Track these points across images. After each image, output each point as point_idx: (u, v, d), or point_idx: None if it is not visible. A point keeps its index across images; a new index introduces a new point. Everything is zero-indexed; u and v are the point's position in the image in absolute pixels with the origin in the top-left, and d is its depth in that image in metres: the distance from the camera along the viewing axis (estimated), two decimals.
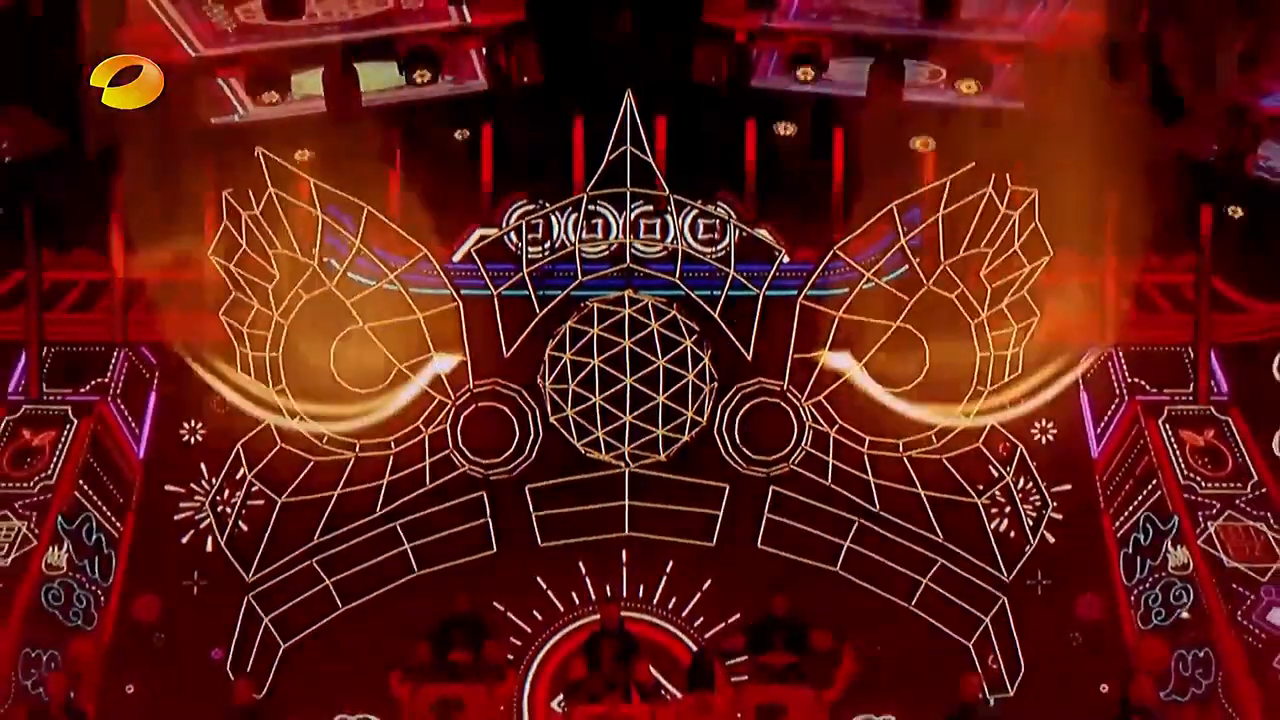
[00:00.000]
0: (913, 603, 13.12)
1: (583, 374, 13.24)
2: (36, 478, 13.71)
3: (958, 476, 13.18)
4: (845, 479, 13.38)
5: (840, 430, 13.18)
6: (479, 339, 13.18)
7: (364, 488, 13.36)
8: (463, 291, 13.07)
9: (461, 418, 13.28)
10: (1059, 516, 13.08)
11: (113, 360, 13.94)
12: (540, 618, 13.66)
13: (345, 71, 12.24)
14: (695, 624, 13.57)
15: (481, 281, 13.31)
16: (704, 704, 12.32)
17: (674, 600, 13.72)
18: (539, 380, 13.20)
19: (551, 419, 13.25)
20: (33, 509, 13.52)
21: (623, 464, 13.20)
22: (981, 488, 13.24)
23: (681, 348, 13.17)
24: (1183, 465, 13.73)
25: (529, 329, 13.40)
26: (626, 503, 13.28)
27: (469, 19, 12.13)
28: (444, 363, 13.03)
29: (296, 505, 13.27)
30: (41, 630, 13.23)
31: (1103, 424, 13.45)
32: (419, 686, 12.31)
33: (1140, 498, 13.19)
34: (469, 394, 13.20)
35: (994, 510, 13.21)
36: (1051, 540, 13.07)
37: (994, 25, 11.63)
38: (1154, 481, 13.31)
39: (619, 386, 13.18)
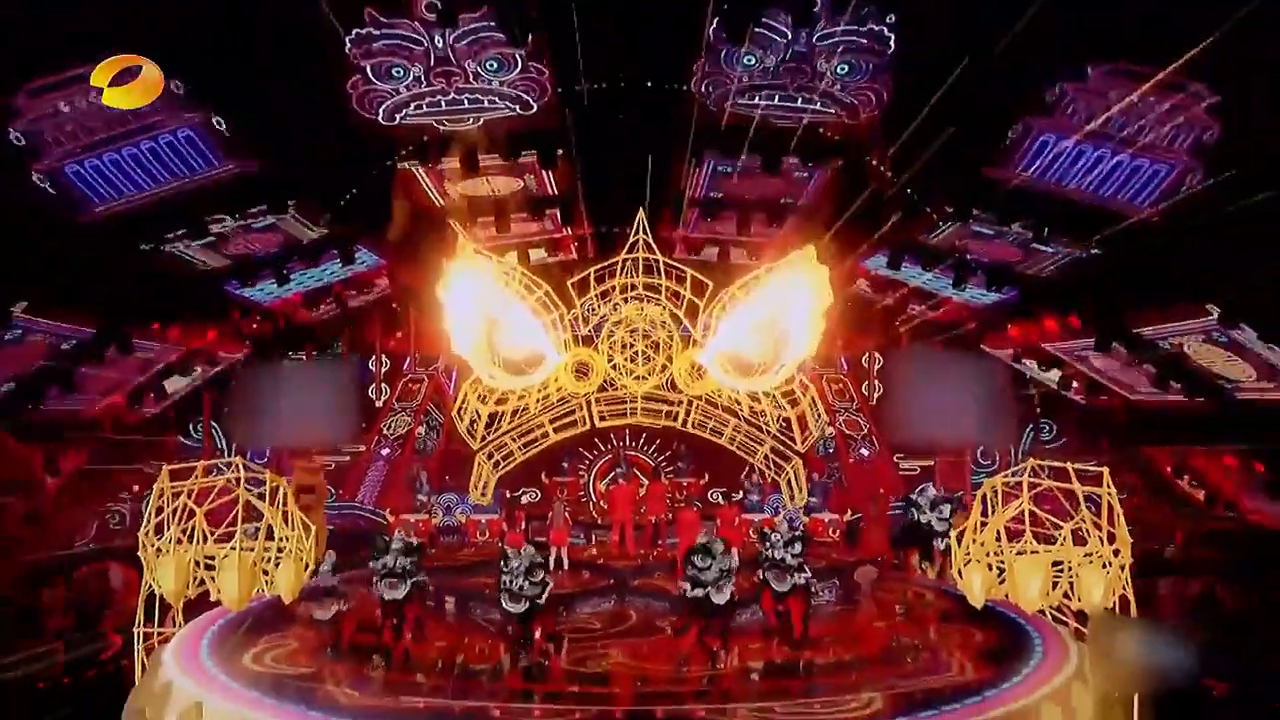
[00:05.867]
0: (754, 457, 22.93)
1: (610, 364, 20.50)
2: (413, 399, 25.79)
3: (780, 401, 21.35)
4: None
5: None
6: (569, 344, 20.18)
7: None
8: None
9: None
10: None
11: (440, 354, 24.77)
12: (600, 450, 24.97)
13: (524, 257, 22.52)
14: (653, 455, 25.29)
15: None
16: (659, 487, 23.48)
17: (649, 447, 25.22)
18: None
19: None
20: (411, 413, 25.52)
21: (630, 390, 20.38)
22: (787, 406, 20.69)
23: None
24: (833, 399, 25.89)
25: (595, 343, 20.49)
26: (630, 407, 20.82)
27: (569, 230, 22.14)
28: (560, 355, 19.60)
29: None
30: (415, 459, 25.25)
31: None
32: (553, 477, 23.58)
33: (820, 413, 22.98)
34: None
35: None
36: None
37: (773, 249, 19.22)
38: (824, 405, 22.97)
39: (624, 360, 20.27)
